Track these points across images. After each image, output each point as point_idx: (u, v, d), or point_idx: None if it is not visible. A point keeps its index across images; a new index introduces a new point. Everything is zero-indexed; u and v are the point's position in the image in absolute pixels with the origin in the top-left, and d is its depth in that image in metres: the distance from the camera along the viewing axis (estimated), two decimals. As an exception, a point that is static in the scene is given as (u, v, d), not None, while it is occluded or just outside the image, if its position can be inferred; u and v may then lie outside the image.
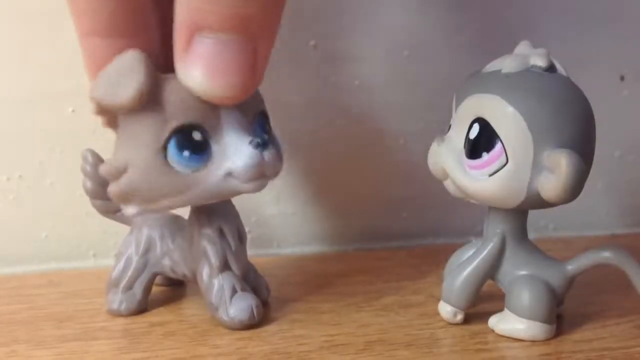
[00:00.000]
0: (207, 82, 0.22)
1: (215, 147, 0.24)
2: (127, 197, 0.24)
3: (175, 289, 0.31)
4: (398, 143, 0.37)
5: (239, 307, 0.26)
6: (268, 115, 0.26)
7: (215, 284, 0.26)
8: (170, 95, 0.23)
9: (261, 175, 0.24)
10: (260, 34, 0.22)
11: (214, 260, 0.26)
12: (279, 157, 0.25)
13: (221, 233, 0.27)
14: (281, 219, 0.37)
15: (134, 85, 0.23)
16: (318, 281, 0.32)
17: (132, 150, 0.24)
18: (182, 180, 0.24)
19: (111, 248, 0.35)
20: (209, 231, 0.27)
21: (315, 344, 0.25)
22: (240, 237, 0.27)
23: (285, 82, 0.35)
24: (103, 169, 0.24)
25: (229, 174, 0.24)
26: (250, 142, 0.24)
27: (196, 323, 0.27)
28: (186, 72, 0.23)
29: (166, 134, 0.23)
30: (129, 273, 0.28)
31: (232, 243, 0.27)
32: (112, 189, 0.24)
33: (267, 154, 0.24)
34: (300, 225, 0.37)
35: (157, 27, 0.25)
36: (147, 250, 0.28)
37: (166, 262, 0.28)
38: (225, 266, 0.27)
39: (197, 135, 0.24)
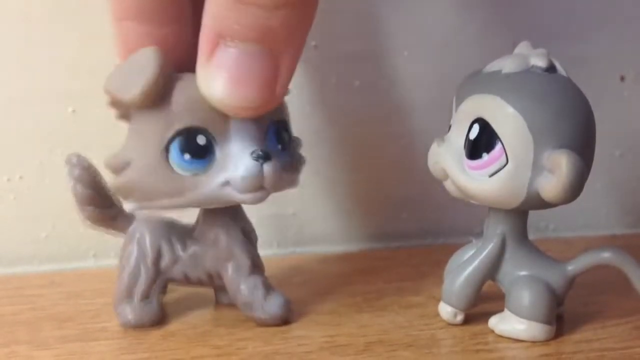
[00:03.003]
0: (225, 92, 0.22)
1: (219, 154, 0.24)
2: (126, 192, 0.25)
3: (175, 290, 0.31)
4: (398, 143, 0.37)
5: (275, 303, 0.27)
6: (288, 124, 0.26)
7: (248, 283, 0.26)
8: (179, 96, 0.23)
9: (258, 188, 0.24)
10: (284, 48, 0.22)
11: (245, 260, 0.26)
12: (284, 170, 0.25)
13: (245, 233, 0.27)
14: (281, 220, 0.37)
15: (142, 83, 0.23)
16: (318, 282, 0.32)
17: (136, 147, 0.24)
18: (180, 182, 0.24)
19: (111, 248, 0.35)
20: (234, 232, 0.27)
21: (315, 345, 0.25)
22: (256, 238, 0.28)
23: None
24: (108, 162, 0.25)
25: (227, 183, 0.24)
26: (252, 154, 0.24)
27: (196, 324, 0.27)
28: (206, 80, 0.23)
29: (169, 135, 0.23)
30: (142, 283, 0.27)
31: (254, 243, 0.27)
32: (114, 182, 0.25)
33: (268, 167, 0.24)
34: (300, 226, 0.37)
35: (190, 19, 0.25)
36: (157, 258, 0.27)
37: (178, 268, 0.27)
38: (254, 266, 0.27)
39: (201, 140, 0.24)
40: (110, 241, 0.35)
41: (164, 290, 0.29)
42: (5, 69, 0.33)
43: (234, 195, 0.24)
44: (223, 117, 0.23)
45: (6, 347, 0.26)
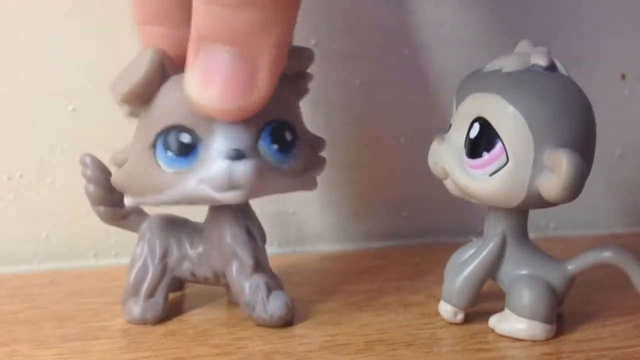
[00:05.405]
0: (199, 93, 0.23)
1: (202, 153, 0.24)
2: (122, 187, 0.26)
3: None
4: (399, 142, 0.37)
5: (277, 304, 0.26)
6: (292, 125, 0.26)
7: (251, 283, 0.26)
8: (167, 95, 0.24)
9: (232, 187, 0.24)
10: (258, 50, 0.22)
11: (248, 259, 0.26)
12: (273, 171, 0.25)
13: (249, 233, 0.27)
14: (281, 219, 0.37)
15: (131, 82, 0.24)
16: (318, 281, 0.32)
17: (133, 144, 0.25)
18: (164, 179, 0.24)
19: (112, 247, 0.35)
20: (238, 231, 0.26)
21: (315, 344, 0.25)
22: (263, 237, 0.27)
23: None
24: (113, 158, 0.26)
25: (202, 181, 0.24)
26: (224, 152, 0.24)
27: (196, 323, 0.27)
28: (187, 82, 0.23)
29: (155, 133, 0.24)
30: (149, 280, 0.27)
31: (259, 242, 0.27)
32: (113, 177, 0.26)
33: (241, 166, 0.24)
34: (301, 225, 0.37)
35: None
36: (164, 255, 0.27)
37: (186, 266, 0.27)
38: (257, 265, 0.26)
39: (185, 138, 0.24)
40: (110, 240, 0.35)
41: (181, 287, 0.30)
42: (5, 68, 0.33)
43: (211, 193, 0.24)
44: (210, 117, 0.24)
45: (6, 346, 0.26)
